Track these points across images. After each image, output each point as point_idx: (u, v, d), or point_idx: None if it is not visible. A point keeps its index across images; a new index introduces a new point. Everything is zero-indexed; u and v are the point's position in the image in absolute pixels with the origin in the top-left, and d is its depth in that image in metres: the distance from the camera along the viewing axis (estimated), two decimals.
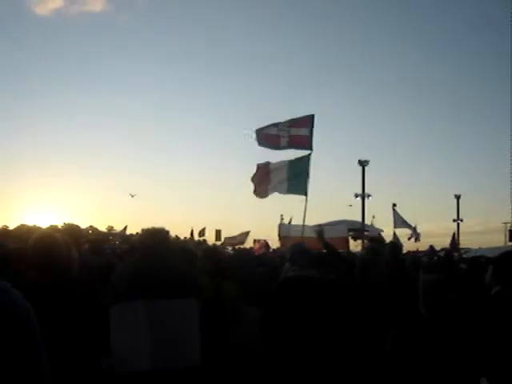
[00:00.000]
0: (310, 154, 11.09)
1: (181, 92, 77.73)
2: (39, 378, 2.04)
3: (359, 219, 26.96)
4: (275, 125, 11.40)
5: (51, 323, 2.65)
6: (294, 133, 11.17)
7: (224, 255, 8.25)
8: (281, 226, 15.21)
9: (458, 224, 36.05)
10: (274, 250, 16.38)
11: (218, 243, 23.98)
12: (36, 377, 2.02)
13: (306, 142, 11.11)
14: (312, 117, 11.25)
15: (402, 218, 22.68)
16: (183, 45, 74.58)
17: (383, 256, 6.96)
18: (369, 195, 28.48)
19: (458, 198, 36.62)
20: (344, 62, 73.92)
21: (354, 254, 10.81)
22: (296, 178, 11.01)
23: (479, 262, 6.99)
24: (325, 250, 6.94)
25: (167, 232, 4.73)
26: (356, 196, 28.62)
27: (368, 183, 28.63)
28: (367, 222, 27.97)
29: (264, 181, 11.56)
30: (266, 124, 11.57)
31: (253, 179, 11.73)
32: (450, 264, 7.40)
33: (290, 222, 17.63)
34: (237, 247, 18.08)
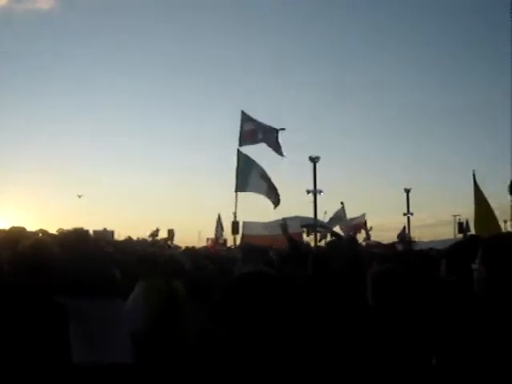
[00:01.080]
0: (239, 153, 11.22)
1: (125, 91, 76.63)
2: None
3: (311, 215, 27.21)
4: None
5: None
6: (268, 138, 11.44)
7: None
8: (234, 223, 15.23)
9: (409, 218, 36.92)
10: (228, 247, 16.30)
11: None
12: None
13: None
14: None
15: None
16: (133, 41, 73.56)
17: (341, 249, 7.02)
18: (320, 191, 28.79)
19: (407, 191, 37.47)
20: (293, 58, 74.52)
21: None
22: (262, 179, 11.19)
23: (430, 256, 7.12)
24: (287, 245, 6.95)
25: (87, 232, 4.67)
26: (308, 192, 28.87)
27: (319, 179, 28.93)
28: (319, 217, 28.38)
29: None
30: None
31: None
32: (402, 256, 7.48)
33: (235, 218, 17.60)
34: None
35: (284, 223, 7.41)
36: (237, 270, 6.29)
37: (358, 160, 76.21)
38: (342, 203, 25.32)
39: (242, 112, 11.73)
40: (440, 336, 3.39)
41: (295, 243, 6.71)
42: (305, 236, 19.90)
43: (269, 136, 11.58)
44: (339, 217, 23.88)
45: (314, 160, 28.45)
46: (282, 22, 71.77)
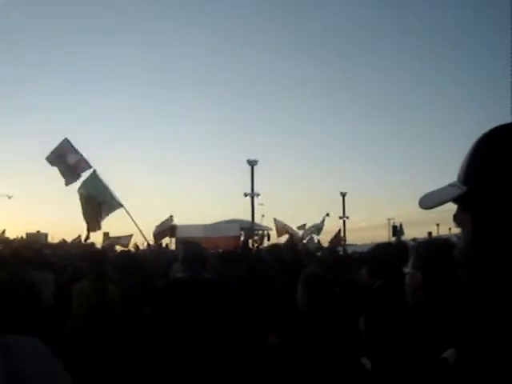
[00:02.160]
0: (94, 171, 10.99)
1: (56, 90, 74.36)
2: None
3: (249, 218, 27.33)
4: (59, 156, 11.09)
5: None
6: (71, 161, 10.96)
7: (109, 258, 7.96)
8: (175, 226, 15.08)
9: (344, 221, 37.61)
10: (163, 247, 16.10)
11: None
12: None
13: (84, 165, 11.02)
14: (67, 141, 11.17)
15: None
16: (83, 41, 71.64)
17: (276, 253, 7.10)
18: (258, 194, 28.99)
19: (343, 195, 38.19)
20: (230, 56, 74.53)
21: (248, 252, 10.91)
22: (102, 198, 10.86)
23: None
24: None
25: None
26: (245, 195, 28.98)
27: (257, 182, 29.09)
28: (257, 220, 28.54)
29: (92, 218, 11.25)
30: None
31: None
32: (336, 259, 7.59)
33: (171, 220, 17.45)
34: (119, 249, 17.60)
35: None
36: (173, 273, 6.26)
37: (295, 163, 77.06)
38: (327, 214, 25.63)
39: (66, 140, 11.42)
40: (370, 340, 3.47)
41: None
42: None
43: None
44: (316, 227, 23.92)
45: (251, 163, 28.63)
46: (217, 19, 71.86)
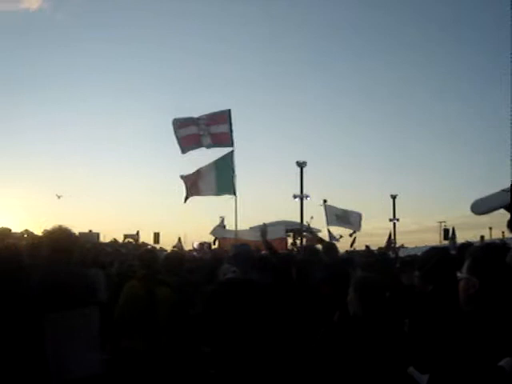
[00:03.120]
0: (232, 151, 11.01)
1: (116, 92, 76.11)
2: None
3: (297, 220, 27.20)
4: (194, 122, 11.20)
5: None
6: (214, 131, 11.04)
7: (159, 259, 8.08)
8: (215, 228, 15.22)
9: (395, 224, 36.91)
10: (211, 250, 16.22)
11: (157, 246, 23.67)
12: None
13: (227, 139, 11.05)
14: (229, 112, 11.17)
15: (336, 213, 22.31)
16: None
17: (320, 256, 7.01)
18: (307, 196, 28.82)
19: (393, 197, 37.55)
20: (281, 62, 74.56)
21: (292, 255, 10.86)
22: (223, 178, 10.97)
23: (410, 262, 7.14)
24: (265, 251, 6.89)
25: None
26: (294, 197, 28.87)
27: (306, 184, 28.96)
28: (305, 222, 28.35)
29: (193, 188, 11.41)
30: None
31: (188, 187, 11.55)
32: (386, 263, 7.49)
33: (222, 222, 17.57)
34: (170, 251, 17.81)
35: (264, 228, 7.37)
36: (222, 274, 6.28)
37: (344, 165, 76.37)
38: (324, 201, 24.73)
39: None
40: (422, 346, 3.41)
41: (273, 250, 6.66)
42: (290, 241, 19.85)
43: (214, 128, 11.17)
44: (338, 215, 23.28)
45: (300, 165, 28.52)
46: (270, 29, 71.91)
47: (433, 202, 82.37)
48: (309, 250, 8.66)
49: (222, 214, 18.18)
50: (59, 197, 37.11)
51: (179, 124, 11.35)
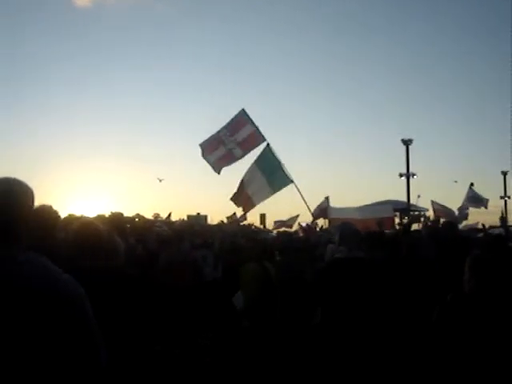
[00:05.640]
0: (268, 145, 10.83)
1: (209, 79, 77.40)
2: (94, 364, 2.00)
3: (404, 199, 26.65)
4: (219, 141, 11.01)
5: (106, 307, 2.63)
6: (240, 138, 10.85)
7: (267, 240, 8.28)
8: (327, 208, 15.19)
9: (506, 201, 35.08)
10: (320, 229, 16.23)
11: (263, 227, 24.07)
12: (91, 363, 1.98)
13: (256, 138, 10.86)
14: (243, 111, 10.96)
15: (476, 196, 21.76)
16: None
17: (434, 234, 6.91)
18: (413, 174, 28.11)
19: (504, 174, 35.62)
20: (388, 37, 72.30)
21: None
22: (272, 175, 10.77)
23: None
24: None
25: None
26: (400, 175, 28.27)
27: (412, 162, 28.21)
28: (412, 201, 27.66)
29: (248, 202, 11.33)
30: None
31: (236, 200, 11.46)
32: (501, 242, 7.20)
33: (327, 202, 17.55)
34: (279, 230, 17.98)
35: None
36: (329, 253, 6.33)
37: (452, 142, 72.94)
38: (471, 184, 24.02)
39: (243, 111, 11.25)
40: None
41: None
42: (397, 220, 19.42)
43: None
44: (475, 197, 22.60)
45: (406, 143, 27.83)
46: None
47: None
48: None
49: (326, 193, 18.14)
50: (160, 180, 37.88)
51: (207, 149, 11.34)
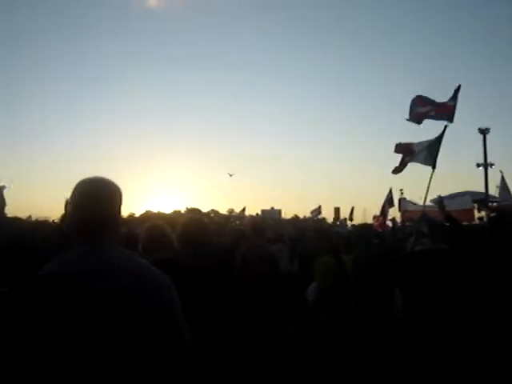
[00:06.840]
0: (446, 126, 10.67)
1: (289, 70, 77.04)
2: (180, 354, 2.09)
3: (482, 189, 25.71)
4: (431, 103, 11.06)
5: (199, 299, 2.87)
6: (440, 103, 10.83)
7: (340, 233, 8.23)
8: (400, 201, 14.94)
9: None
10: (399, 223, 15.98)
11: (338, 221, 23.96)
12: (177, 353, 2.08)
13: (450, 112, 10.72)
14: (458, 87, 10.82)
15: None
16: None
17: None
18: (492, 164, 27.11)
19: None
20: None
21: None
22: (431, 150, 10.71)
23: None
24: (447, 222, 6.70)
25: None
26: (478, 166, 27.34)
27: (490, 152, 27.17)
28: (491, 192, 26.68)
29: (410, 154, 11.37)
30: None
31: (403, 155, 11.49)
32: None
33: (402, 195, 17.20)
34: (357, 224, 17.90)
35: (440, 200, 7.11)
36: (410, 246, 6.19)
37: None
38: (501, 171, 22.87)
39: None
40: None
41: (455, 221, 6.39)
42: (476, 212, 18.75)
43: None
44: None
45: (483, 132, 26.85)
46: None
47: None
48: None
49: (400, 187, 17.81)
50: (231, 175, 38.18)
51: (419, 101, 11.46)
